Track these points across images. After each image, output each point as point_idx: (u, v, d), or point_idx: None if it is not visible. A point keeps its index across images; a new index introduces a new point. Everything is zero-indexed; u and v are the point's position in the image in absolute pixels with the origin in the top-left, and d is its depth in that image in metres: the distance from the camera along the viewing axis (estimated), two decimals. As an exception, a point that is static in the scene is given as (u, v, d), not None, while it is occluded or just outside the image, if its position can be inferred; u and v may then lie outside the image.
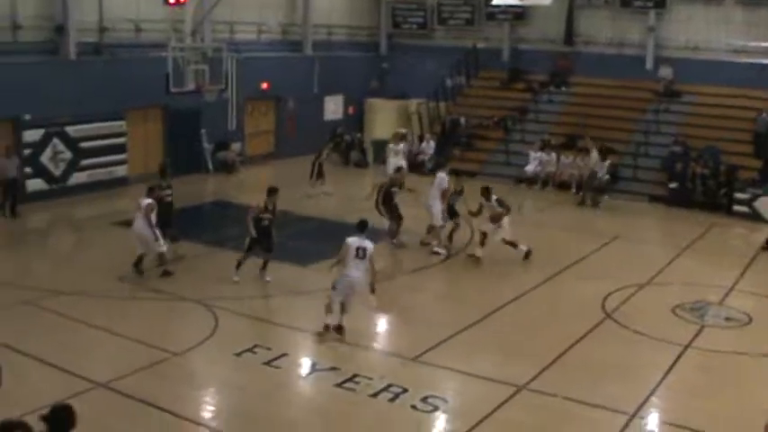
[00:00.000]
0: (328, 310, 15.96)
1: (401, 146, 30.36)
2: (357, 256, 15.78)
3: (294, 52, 37.17)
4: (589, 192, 29.40)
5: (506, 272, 20.47)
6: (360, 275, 15.85)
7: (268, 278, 19.44)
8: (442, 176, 22.76)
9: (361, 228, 16.44)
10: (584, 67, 36.00)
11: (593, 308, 17.86)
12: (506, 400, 13.29)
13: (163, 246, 19.17)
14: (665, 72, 34.48)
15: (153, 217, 19.01)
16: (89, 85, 27.64)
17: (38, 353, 14.55)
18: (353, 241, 15.90)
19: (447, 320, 16.89)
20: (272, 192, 19.49)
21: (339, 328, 15.83)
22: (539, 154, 31.72)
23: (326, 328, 15.94)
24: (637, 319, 17.30)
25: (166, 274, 19.29)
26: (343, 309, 15.99)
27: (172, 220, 20.59)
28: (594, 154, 29.93)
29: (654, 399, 13.67)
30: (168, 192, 20.58)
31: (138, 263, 19.21)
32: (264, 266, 19.52)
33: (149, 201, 19.08)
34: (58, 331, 16.02)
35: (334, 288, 15.94)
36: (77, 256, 21.74)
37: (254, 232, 19.06)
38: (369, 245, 15.97)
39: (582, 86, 35.80)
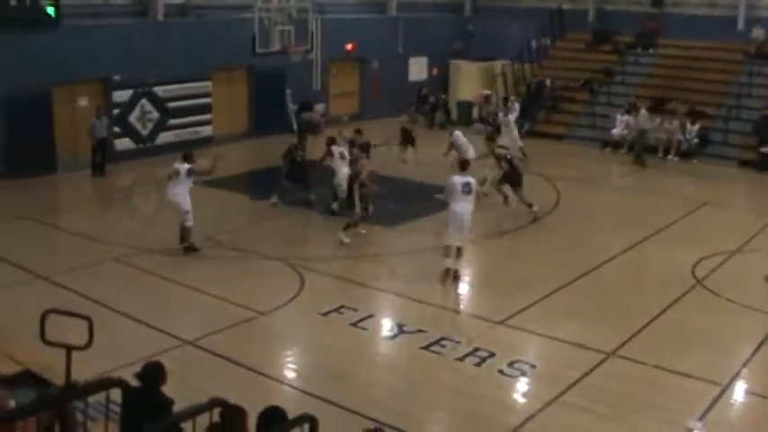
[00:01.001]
0: (446, 253, 16.95)
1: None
2: (464, 191, 16.76)
3: (379, 13, 36.96)
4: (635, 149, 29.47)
5: (594, 236, 20.12)
6: (469, 208, 16.89)
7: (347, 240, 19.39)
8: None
9: (464, 166, 17.54)
10: (672, 28, 35.04)
11: (682, 274, 17.42)
12: (594, 367, 13.06)
13: (191, 220, 18.25)
14: (758, 33, 33.33)
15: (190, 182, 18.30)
16: (176, 47, 27.91)
17: (127, 309, 14.78)
18: (458, 179, 16.88)
19: (534, 284, 16.66)
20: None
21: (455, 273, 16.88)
22: (625, 117, 31.08)
23: (447, 271, 16.87)
24: (728, 286, 16.80)
25: (190, 249, 18.36)
26: (458, 253, 16.92)
27: (307, 178, 21.75)
28: (644, 112, 29.77)
29: (745, 370, 13.29)
30: (300, 152, 21.66)
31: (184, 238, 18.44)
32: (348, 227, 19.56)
33: (189, 166, 18.19)
34: (147, 288, 16.26)
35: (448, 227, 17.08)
36: (164, 215, 21.92)
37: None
38: (473, 180, 17.13)
39: (670, 48, 34.86)
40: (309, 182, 22.02)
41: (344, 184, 20.14)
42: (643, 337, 14.30)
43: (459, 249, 17.04)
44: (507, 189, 22.04)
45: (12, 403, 7.57)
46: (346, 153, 21.27)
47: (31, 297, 14.98)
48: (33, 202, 22.26)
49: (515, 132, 27.94)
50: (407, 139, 26.49)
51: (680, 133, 29.68)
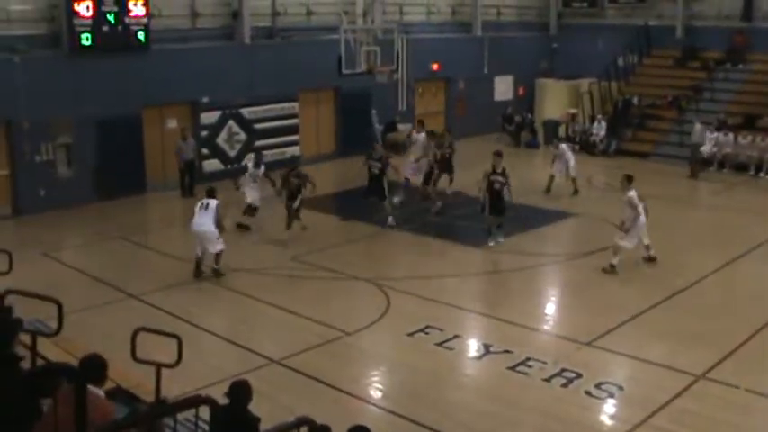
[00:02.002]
0: (616, 252, 18.43)
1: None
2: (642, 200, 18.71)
3: (464, 33, 36.99)
4: (696, 164, 29.35)
5: (684, 256, 19.76)
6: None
7: (500, 239, 20.54)
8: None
9: (630, 180, 19.07)
10: (763, 43, 34.37)
11: (776, 294, 17.05)
12: (684, 390, 12.78)
13: (222, 244, 18.33)
14: None
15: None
16: (263, 69, 28.32)
17: (215, 328, 15.01)
18: (635, 193, 18.65)
19: (622, 304, 16.44)
20: (497, 154, 21.11)
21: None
22: (715, 134, 30.52)
23: (612, 267, 18.40)
24: (825, 307, 16.35)
25: (219, 274, 18.36)
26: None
27: (382, 190, 22.05)
28: (697, 126, 29.87)
29: None
30: (377, 164, 21.92)
31: (198, 266, 18.37)
32: (499, 227, 20.65)
33: (218, 201, 18.41)
34: (235, 307, 16.47)
35: (627, 232, 18.56)
36: (251, 235, 22.20)
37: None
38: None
39: (761, 63, 34.15)
40: (384, 194, 22.16)
41: None
42: (735, 359, 13.96)
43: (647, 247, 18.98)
44: None
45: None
46: None
47: (123, 315, 15.30)
48: (124, 222, 22.78)
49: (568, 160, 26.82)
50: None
51: (700, 140, 29.00)
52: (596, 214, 23.22)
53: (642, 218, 18.66)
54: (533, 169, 29.40)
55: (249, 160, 23.95)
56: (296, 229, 20.90)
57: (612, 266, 18.48)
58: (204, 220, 18.10)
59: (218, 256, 18.27)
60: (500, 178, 20.44)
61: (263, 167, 22.47)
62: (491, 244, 20.51)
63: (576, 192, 25.79)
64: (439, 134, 26.13)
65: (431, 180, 24.34)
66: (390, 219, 22.01)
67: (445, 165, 24.77)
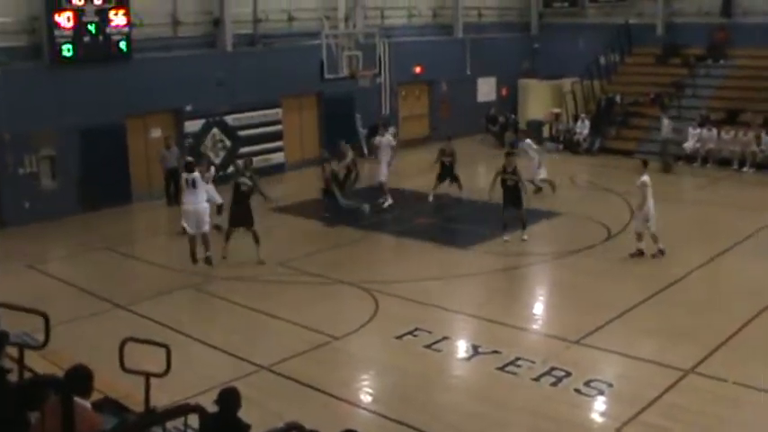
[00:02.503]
0: (639, 238, 19.14)
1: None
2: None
3: (445, 35, 37.06)
4: (668, 158, 29.98)
5: (670, 251, 19.80)
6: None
7: (524, 237, 20.98)
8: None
9: (645, 164, 19.79)
10: (743, 38, 34.45)
11: (762, 288, 17.04)
12: (673, 385, 12.80)
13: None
14: (834, 38, 32.76)
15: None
16: (246, 76, 28.30)
17: (204, 336, 14.96)
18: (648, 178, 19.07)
19: (609, 302, 16.46)
20: (509, 154, 21.75)
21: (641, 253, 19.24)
22: (698, 130, 30.66)
23: (640, 252, 19.19)
24: (811, 300, 16.42)
25: (209, 262, 18.92)
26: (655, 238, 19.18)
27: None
28: (665, 121, 30.45)
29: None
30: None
31: (194, 250, 18.79)
32: (524, 227, 21.07)
33: (198, 173, 18.68)
34: (222, 315, 16.44)
35: (648, 220, 19.03)
36: (237, 242, 22.16)
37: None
38: None
39: (742, 59, 34.29)
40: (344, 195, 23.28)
41: None
42: (723, 353, 13.99)
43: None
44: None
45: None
46: None
47: (110, 326, 15.27)
48: (109, 232, 22.74)
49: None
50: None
51: (754, 144, 29.18)
52: (581, 213, 23.39)
53: (651, 203, 19.08)
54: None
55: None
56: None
57: (662, 251, 19.31)
58: (195, 198, 18.37)
59: (207, 242, 18.53)
60: (513, 176, 20.88)
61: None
62: (506, 238, 20.93)
63: (538, 190, 25.80)
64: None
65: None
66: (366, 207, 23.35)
67: (445, 172, 24.95)
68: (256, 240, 19.43)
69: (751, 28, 34.27)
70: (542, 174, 25.77)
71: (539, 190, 25.68)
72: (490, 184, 21.46)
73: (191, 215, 18.57)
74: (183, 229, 19.35)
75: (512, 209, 20.96)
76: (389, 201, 24.57)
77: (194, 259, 18.80)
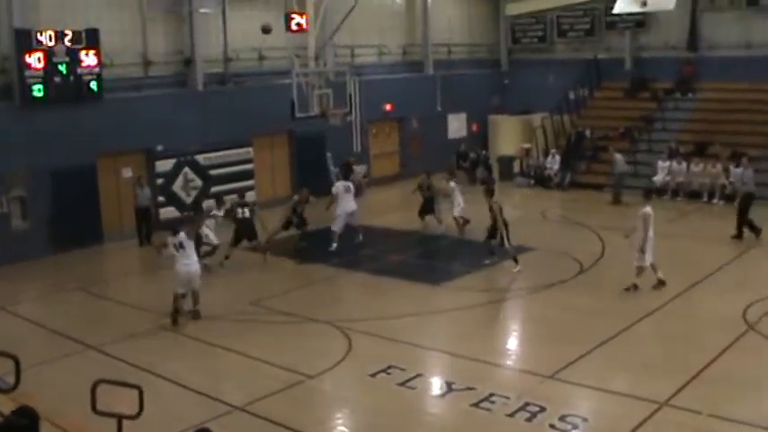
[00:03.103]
0: (639, 272, 19.10)
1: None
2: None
3: (415, 72, 37.31)
4: (617, 191, 30.30)
5: (640, 286, 19.94)
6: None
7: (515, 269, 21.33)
8: None
9: (648, 196, 20.07)
10: (710, 71, 35.03)
11: (733, 320, 17.14)
12: (647, 418, 12.80)
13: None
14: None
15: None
16: (217, 115, 28.36)
17: (176, 377, 14.85)
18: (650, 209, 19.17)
19: (582, 336, 16.48)
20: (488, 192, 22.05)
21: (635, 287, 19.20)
22: (667, 163, 30.95)
23: (635, 287, 19.14)
24: (782, 331, 16.54)
25: (197, 315, 18.41)
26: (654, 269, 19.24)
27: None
28: (618, 156, 30.89)
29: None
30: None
31: (178, 311, 18.23)
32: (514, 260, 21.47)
33: (184, 233, 18.29)
34: (195, 355, 16.34)
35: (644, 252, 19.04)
36: (210, 281, 22.12)
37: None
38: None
39: (709, 92, 34.84)
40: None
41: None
42: (696, 385, 14.04)
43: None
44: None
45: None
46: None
47: (82, 367, 15.14)
48: (81, 273, 22.62)
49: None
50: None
51: (723, 177, 29.47)
52: (554, 247, 23.52)
53: (651, 234, 19.15)
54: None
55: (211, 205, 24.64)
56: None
57: (635, 286, 19.23)
58: (186, 260, 18.07)
59: (197, 297, 18.36)
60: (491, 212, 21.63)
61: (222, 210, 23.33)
62: (486, 262, 21.94)
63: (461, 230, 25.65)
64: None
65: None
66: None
67: (426, 206, 25.43)
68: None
69: (717, 61, 34.85)
70: (457, 211, 25.56)
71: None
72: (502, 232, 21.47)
73: (182, 276, 18.18)
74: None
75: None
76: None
77: (175, 320, 18.03)
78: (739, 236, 24.27)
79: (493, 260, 22.19)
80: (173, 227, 19.54)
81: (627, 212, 28.10)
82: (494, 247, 21.80)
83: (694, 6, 35.69)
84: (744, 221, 24.24)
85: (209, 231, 22.31)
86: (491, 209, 21.56)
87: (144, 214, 25.58)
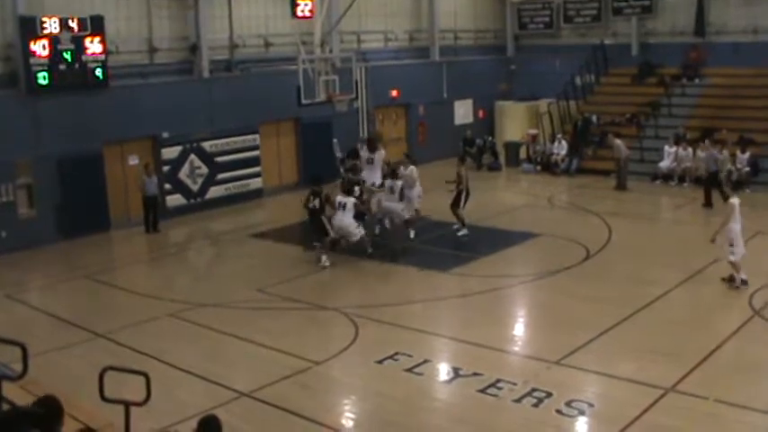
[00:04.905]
0: (737, 268, 18.22)
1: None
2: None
3: (421, 59, 37.22)
4: (621, 176, 30.35)
5: (647, 271, 19.91)
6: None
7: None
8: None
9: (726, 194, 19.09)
10: (717, 57, 34.82)
11: (739, 306, 17.18)
12: (653, 403, 12.83)
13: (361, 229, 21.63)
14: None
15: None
16: (223, 101, 28.32)
17: (183, 364, 14.88)
18: (736, 200, 18.36)
19: (588, 322, 16.48)
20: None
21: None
22: (674, 149, 30.83)
23: (743, 281, 18.21)
24: (788, 316, 16.51)
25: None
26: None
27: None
28: (618, 141, 30.59)
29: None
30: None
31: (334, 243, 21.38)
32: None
33: (354, 200, 21.32)
34: (202, 342, 16.35)
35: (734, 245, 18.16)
36: (217, 269, 22.18)
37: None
38: None
39: (716, 77, 34.64)
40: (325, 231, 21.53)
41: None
42: (702, 370, 14.05)
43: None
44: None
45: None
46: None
47: (90, 355, 15.20)
48: (88, 261, 22.65)
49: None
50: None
51: (730, 163, 29.38)
52: (560, 234, 23.42)
53: (737, 227, 18.35)
54: (496, 192, 29.60)
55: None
56: None
57: (744, 281, 18.29)
58: (344, 218, 21.11)
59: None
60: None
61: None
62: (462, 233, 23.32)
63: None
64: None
65: None
66: (323, 258, 21.49)
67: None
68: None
69: (724, 47, 34.64)
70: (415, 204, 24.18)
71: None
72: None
73: (339, 230, 21.24)
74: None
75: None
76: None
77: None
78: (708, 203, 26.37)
79: (463, 231, 23.36)
80: (348, 189, 21.61)
81: (633, 198, 28.24)
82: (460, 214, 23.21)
83: (702, -9, 35.53)
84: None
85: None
86: (459, 174, 23.10)
87: (152, 203, 25.52)
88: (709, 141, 28.95)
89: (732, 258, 18.28)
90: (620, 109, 35.17)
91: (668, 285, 18.64)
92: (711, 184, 26.17)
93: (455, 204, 23.48)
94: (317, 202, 21.29)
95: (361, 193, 22.39)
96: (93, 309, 18.63)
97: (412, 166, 23.83)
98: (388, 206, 22.92)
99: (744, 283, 18.24)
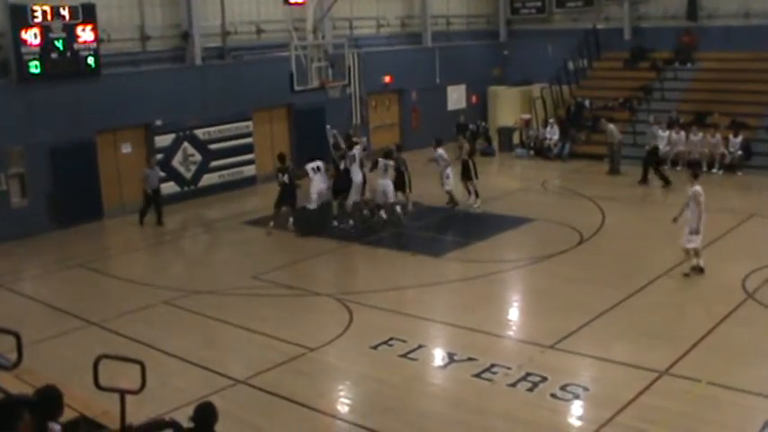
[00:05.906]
0: (697, 254, 18.23)
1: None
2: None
3: (414, 44, 37.17)
4: (614, 161, 30.40)
5: (641, 254, 19.96)
6: None
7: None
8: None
9: (696, 176, 18.91)
10: (709, 41, 34.89)
11: (732, 288, 17.23)
12: (648, 386, 12.89)
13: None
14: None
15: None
16: (215, 89, 28.28)
17: (178, 351, 14.90)
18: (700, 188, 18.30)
19: (582, 306, 16.53)
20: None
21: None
22: (666, 133, 30.82)
23: (700, 269, 18.32)
24: (781, 299, 16.56)
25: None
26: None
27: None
28: (611, 126, 30.58)
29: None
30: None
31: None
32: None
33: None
34: (197, 330, 16.36)
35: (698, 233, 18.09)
36: (212, 256, 22.20)
37: None
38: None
39: (708, 61, 34.68)
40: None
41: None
42: (696, 353, 14.12)
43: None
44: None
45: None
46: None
47: (85, 343, 15.21)
48: (82, 249, 22.61)
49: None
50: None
51: (722, 146, 29.42)
52: (553, 218, 23.47)
53: (704, 213, 18.31)
54: (489, 176, 29.54)
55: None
56: None
57: (701, 268, 18.37)
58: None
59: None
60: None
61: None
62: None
63: (451, 203, 25.36)
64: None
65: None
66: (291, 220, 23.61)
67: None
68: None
69: (716, 31, 34.71)
70: (448, 185, 25.01)
71: (451, 203, 25.35)
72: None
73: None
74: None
75: None
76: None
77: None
78: (644, 181, 28.09)
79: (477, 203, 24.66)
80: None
81: (626, 182, 28.26)
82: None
83: (693, -25, 35.50)
84: (656, 171, 27.66)
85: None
86: (460, 146, 25.20)
87: (155, 196, 25.08)
88: (653, 117, 30.58)
89: (690, 246, 18.27)
90: (613, 93, 35.17)
91: (662, 268, 18.68)
92: (649, 162, 28.15)
93: (466, 177, 24.70)
94: (285, 178, 23.14)
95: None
96: (88, 297, 18.62)
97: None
98: (381, 183, 23.23)
99: (700, 270, 18.37)
